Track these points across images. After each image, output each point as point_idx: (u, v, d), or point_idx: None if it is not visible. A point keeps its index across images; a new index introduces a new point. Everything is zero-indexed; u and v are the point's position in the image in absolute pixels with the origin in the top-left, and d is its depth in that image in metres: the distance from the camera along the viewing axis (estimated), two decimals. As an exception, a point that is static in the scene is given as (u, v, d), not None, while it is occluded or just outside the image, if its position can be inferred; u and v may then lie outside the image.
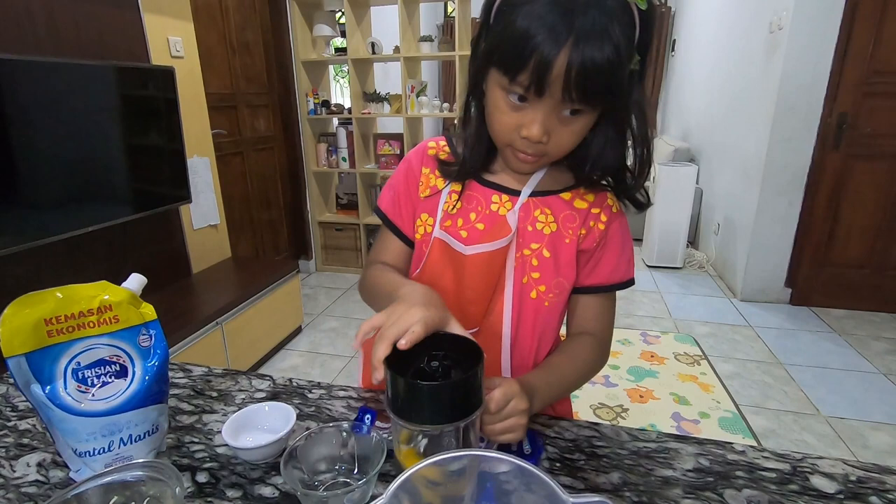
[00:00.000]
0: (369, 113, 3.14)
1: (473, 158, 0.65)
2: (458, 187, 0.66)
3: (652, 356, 2.30)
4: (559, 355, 0.65)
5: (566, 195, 0.65)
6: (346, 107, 3.32)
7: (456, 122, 0.69)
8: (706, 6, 4.08)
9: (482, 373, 0.44)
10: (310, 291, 3.06)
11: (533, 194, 0.65)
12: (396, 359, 0.44)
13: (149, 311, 0.53)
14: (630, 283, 0.69)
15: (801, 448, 1.72)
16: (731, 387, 2.06)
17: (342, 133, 3.18)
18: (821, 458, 0.53)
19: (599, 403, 1.96)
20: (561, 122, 0.54)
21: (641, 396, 2.00)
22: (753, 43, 2.93)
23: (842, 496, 0.48)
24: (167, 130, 1.91)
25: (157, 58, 1.96)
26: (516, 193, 0.65)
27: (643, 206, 0.64)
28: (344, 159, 3.22)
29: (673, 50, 5.21)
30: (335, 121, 3.37)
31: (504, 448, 0.55)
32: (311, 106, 3.15)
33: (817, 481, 0.50)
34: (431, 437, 0.44)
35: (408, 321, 0.45)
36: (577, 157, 0.60)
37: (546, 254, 0.64)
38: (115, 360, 0.50)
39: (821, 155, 2.59)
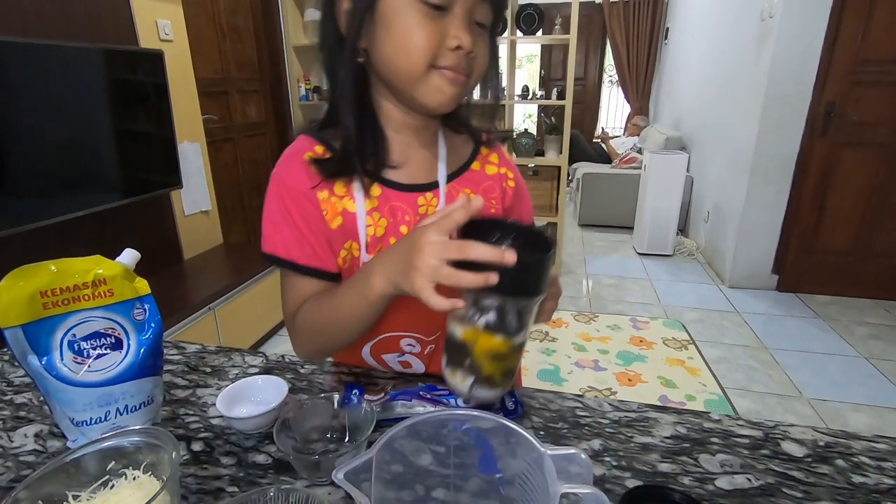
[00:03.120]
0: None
1: (367, 153, 0.57)
2: (373, 204, 0.58)
3: (641, 341, 2.34)
4: None
5: (476, 165, 0.66)
6: (338, 93, 3.29)
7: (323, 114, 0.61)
8: (699, -6, 4.08)
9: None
10: (302, 278, 3.07)
11: (448, 178, 0.63)
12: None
13: (142, 286, 0.54)
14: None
15: (784, 428, 1.77)
16: (717, 371, 2.11)
17: (334, 120, 3.16)
18: (792, 425, 0.56)
19: (589, 387, 1.99)
20: (477, 34, 0.53)
21: (630, 380, 2.04)
22: (744, 31, 2.94)
23: (810, 459, 0.51)
24: (157, 115, 1.90)
25: (146, 41, 1.94)
26: (434, 186, 0.62)
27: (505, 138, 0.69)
28: (336, 146, 3.21)
29: (666, 38, 5.21)
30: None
31: (488, 406, 0.57)
32: (303, 92, 3.13)
33: (787, 446, 0.53)
34: (497, 312, 0.44)
35: (443, 218, 0.43)
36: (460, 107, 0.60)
37: None
38: (110, 332, 0.51)
39: (809, 143, 2.62)
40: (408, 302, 0.48)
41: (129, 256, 0.53)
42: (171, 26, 2.05)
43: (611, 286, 2.98)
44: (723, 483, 0.48)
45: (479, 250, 0.40)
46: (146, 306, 0.54)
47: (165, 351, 0.71)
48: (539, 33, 3.01)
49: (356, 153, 0.56)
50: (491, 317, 0.44)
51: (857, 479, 0.48)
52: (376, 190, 0.59)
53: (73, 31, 1.68)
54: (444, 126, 0.65)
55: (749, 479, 0.48)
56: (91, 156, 1.68)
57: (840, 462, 0.50)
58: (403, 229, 0.59)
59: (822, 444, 0.53)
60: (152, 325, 0.54)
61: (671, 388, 1.98)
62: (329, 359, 0.68)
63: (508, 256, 0.39)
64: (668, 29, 5.18)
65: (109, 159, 1.74)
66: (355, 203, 0.58)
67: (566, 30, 2.81)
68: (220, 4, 2.60)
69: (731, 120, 3.12)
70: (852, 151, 2.58)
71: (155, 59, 1.85)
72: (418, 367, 0.66)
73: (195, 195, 2.26)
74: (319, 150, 0.58)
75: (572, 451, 0.32)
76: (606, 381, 2.03)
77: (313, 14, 3.01)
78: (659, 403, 1.79)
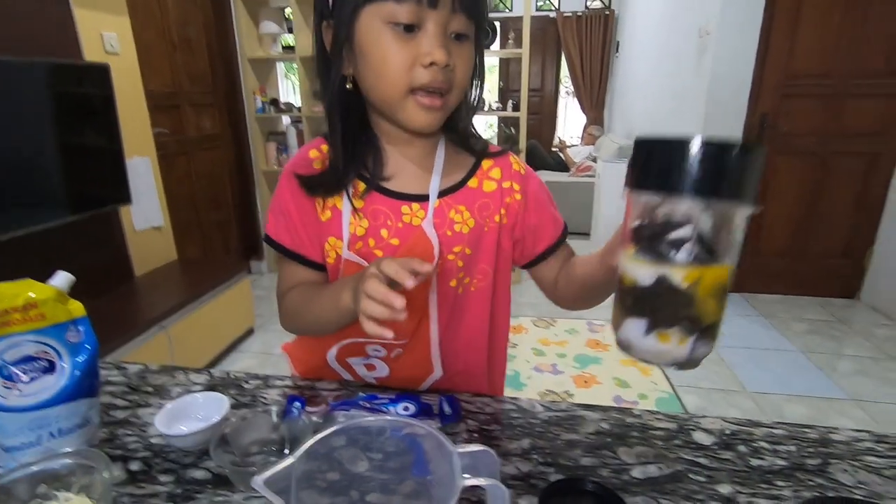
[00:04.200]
0: (320, 112, 3.12)
1: (357, 163, 0.60)
2: (359, 204, 0.61)
3: (597, 344, 2.42)
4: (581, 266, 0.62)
5: (473, 182, 0.63)
6: (297, 105, 3.29)
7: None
8: (645, 10, 4.29)
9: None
10: (262, 293, 3.02)
11: (441, 193, 0.62)
12: None
13: (77, 308, 0.54)
14: (566, 229, 0.69)
15: (728, 422, 1.87)
16: (667, 369, 2.20)
17: (292, 132, 3.14)
18: (704, 416, 0.61)
19: (547, 390, 2.05)
20: (455, 47, 0.53)
21: (586, 382, 2.11)
22: (685, 46, 3.11)
23: (716, 447, 0.56)
24: (103, 130, 1.85)
25: (91, 54, 1.89)
26: (424, 198, 0.61)
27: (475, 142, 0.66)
28: (295, 158, 3.19)
29: (617, 51, 5.44)
30: (285, 119, 3.33)
31: (427, 409, 0.60)
32: (259, 104, 3.10)
33: (698, 436, 0.58)
34: (713, 229, 0.34)
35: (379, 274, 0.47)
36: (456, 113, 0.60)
37: (468, 251, 0.63)
38: (41, 356, 0.51)
39: (746, 152, 2.79)
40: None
41: (62, 279, 0.54)
42: (118, 39, 2.01)
43: (569, 291, 3.06)
44: (636, 473, 0.52)
45: (379, 291, 0.45)
46: (81, 328, 0.54)
47: (106, 372, 0.70)
48: (497, 46, 3.09)
49: (336, 172, 0.60)
50: (708, 238, 0.34)
51: (755, 462, 0.53)
52: (364, 191, 0.62)
53: (13, 44, 1.62)
54: (448, 138, 0.64)
55: (660, 468, 0.52)
56: (33, 172, 1.62)
57: (742, 448, 0.55)
58: (384, 233, 0.61)
59: (728, 432, 0.58)
60: (87, 346, 0.54)
61: (625, 389, 2.05)
62: (275, 372, 0.70)
63: (398, 302, 0.44)
64: (618, 42, 5.40)
65: (53, 176, 1.68)
66: (343, 201, 0.61)
67: (520, 44, 2.90)
68: (170, 16, 2.56)
69: (676, 130, 3.29)
70: (786, 160, 2.77)
71: (100, 73, 1.81)
72: (382, 369, 0.68)
73: (146, 210, 2.20)
74: (325, 148, 0.63)
75: (480, 448, 0.35)
76: (564, 384, 2.09)
77: (268, 27, 3.00)
78: (614, 404, 1.86)
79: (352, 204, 0.61)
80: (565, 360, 2.27)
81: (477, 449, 0.35)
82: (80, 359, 0.54)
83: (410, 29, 0.51)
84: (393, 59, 0.52)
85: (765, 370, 2.20)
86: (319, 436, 0.37)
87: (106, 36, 1.96)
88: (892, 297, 2.66)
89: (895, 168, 2.66)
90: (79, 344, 0.54)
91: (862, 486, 0.50)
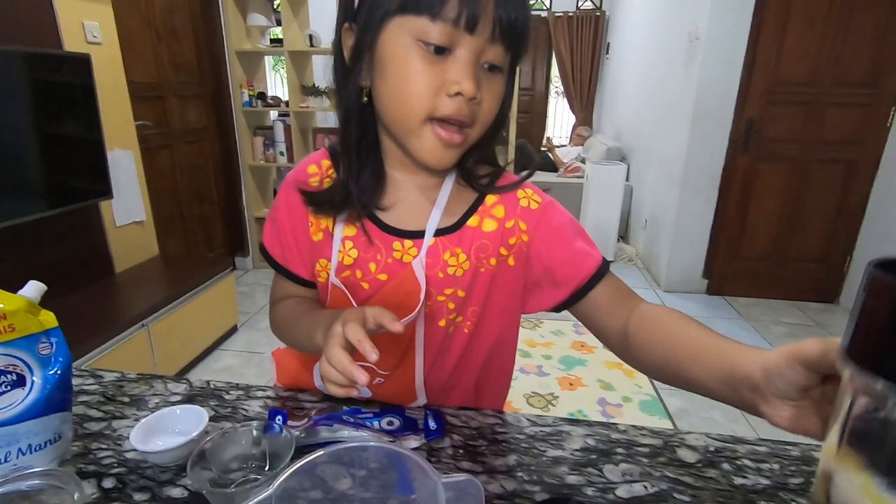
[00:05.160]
0: (308, 107, 3.08)
1: (361, 189, 0.55)
2: (351, 231, 0.58)
3: (582, 346, 2.43)
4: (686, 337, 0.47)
5: (473, 221, 0.58)
6: (284, 99, 3.24)
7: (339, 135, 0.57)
8: (635, 13, 4.31)
9: None
10: (246, 289, 2.98)
11: (438, 232, 0.57)
12: None
13: (49, 319, 0.52)
14: (606, 263, 0.59)
15: (709, 424, 1.89)
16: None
17: (279, 126, 3.10)
18: (689, 433, 0.61)
19: (532, 392, 2.05)
20: (486, 78, 0.48)
21: (571, 384, 2.12)
22: (675, 51, 3.14)
23: (700, 464, 0.56)
24: (83, 122, 1.80)
25: (72, 44, 1.83)
26: (419, 235, 0.57)
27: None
28: (282, 153, 3.15)
29: (607, 52, 5.46)
30: (273, 114, 3.28)
31: (412, 424, 0.59)
32: (246, 98, 3.05)
33: (682, 453, 0.58)
34: None
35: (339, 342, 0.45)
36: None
37: (461, 294, 0.59)
38: (10, 369, 0.49)
39: (732, 157, 2.83)
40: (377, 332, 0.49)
41: (33, 289, 0.51)
42: (100, 28, 1.95)
43: (556, 292, 3.08)
44: (622, 492, 0.52)
45: (341, 362, 0.44)
46: (53, 340, 0.52)
47: (81, 380, 0.68)
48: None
49: (346, 191, 0.56)
50: None
51: (738, 480, 0.53)
52: (358, 218, 0.58)
53: (-12, 31, 1.57)
54: (458, 171, 0.59)
55: (645, 487, 0.52)
56: (10, 166, 1.57)
57: (726, 465, 0.56)
58: (372, 266, 0.58)
59: (712, 449, 0.58)
60: (60, 359, 0.52)
61: (609, 391, 2.07)
62: (258, 372, 0.69)
63: (359, 378, 0.43)
64: (609, 44, 5.42)
65: (31, 169, 1.64)
66: (336, 226, 0.59)
67: (510, 44, 2.89)
68: (155, 6, 2.49)
69: (664, 133, 3.31)
70: (769, 165, 2.81)
71: (81, 63, 1.76)
72: (364, 392, 0.66)
73: (128, 205, 2.15)
74: (325, 164, 0.61)
75: (465, 478, 0.34)
76: (549, 386, 2.10)
77: (256, 19, 2.95)
78: (601, 415, 1.88)
79: (343, 230, 0.58)
80: (551, 361, 2.28)
81: (462, 479, 0.34)
82: (52, 372, 0.52)
83: (441, 51, 0.46)
84: (416, 81, 0.47)
85: (746, 373, 2.24)
86: (295, 466, 0.36)
87: (87, 25, 1.90)
88: (870, 303, 2.72)
89: (874, 176, 2.71)
90: (50, 356, 0.52)
91: (842, 506, 0.50)
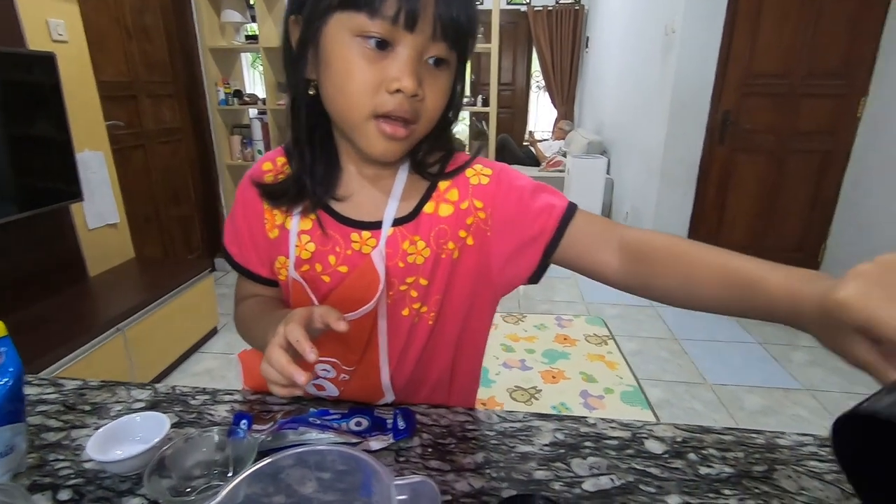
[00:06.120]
0: (285, 104, 3.04)
1: (315, 180, 0.55)
2: (307, 225, 0.57)
3: (565, 339, 2.45)
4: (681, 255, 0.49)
5: (429, 207, 0.58)
6: (262, 97, 3.19)
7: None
8: (613, 6, 4.33)
9: None
10: (227, 290, 2.94)
11: (396, 222, 0.57)
12: None
13: (-3, 328, 0.50)
14: (573, 205, 0.58)
15: (690, 414, 1.92)
16: (633, 363, 2.25)
17: (257, 125, 3.05)
18: (657, 424, 0.62)
19: (515, 386, 2.06)
20: (429, 74, 0.48)
21: (554, 377, 2.13)
22: (652, 44, 3.16)
23: (667, 455, 0.56)
24: (50, 122, 1.75)
25: (36, 42, 1.78)
26: (377, 226, 0.57)
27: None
28: (260, 152, 3.10)
29: (587, 46, 5.48)
30: (251, 112, 3.23)
31: (381, 424, 0.59)
32: (222, 96, 3.00)
33: (650, 444, 0.58)
34: None
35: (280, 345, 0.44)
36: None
37: (423, 282, 0.59)
38: (-44, 381, 0.48)
39: (709, 149, 2.87)
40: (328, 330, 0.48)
41: (-20, 297, 0.50)
42: (65, 26, 1.89)
43: (540, 286, 3.08)
44: (588, 485, 0.52)
45: (279, 362, 0.43)
46: (3, 349, 0.50)
47: (40, 389, 0.66)
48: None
49: (300, 183, 0.56)
50: None
51: (703, 470, 0.54)
52: (313, 209, 0.58)
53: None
54: (410, 160, 0.59)
55: (612, 479, 0.52)
56: (-30, 168, 1.52)
57: (692, 456, 0.56)
58: (332, 259, 0.57)
59: (679, 440, 0.59)
60: (10, 369, 0.50)
61: (591, 383, 2.09)
62: (239, 375, 0.68)
63: (298, 378, 0.42)
64: (588, 38, 5.45)
65: (-7, 172, 1.59)
66: (291, 220, 0.58)
67: (490, 38, 2.88)
68: (124, 4, 2.43)
69: (643, 126, 3.34)
70: (745, 156, 2.85)
71: (46, 62, 1.71)
72: (332, 390, 0.65)
73: (100, 207, 2.10)
74: (280, 161, 0.60)
75: (420, 479, 0.34)
76: (532, 379, 2.11)
77: (230, 15, 2.90)
78: (584, 407, 1.89)
79: (298, 224, 0.58)
80: (534, 355, 2.29)
81: (416, 480, 0.34)
82: (3, 382, 0.50)
83: (384, 46, 0.46)
84: (357, 78, 0.47)
85: (724, 363, 2.28)
86: (239, 477, 0.35)
87: (52, 23, 1.84)
88: (844, 290, 2.78)
89: (846, 166, 2.77)
90: (1, 366, 0.50)
91: (804, 492, 0.51)
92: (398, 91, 0.47)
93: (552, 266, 0.59)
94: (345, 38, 0.46)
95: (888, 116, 2.50)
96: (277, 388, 0.45)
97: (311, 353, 0.42)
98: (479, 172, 0.60)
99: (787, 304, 0.39)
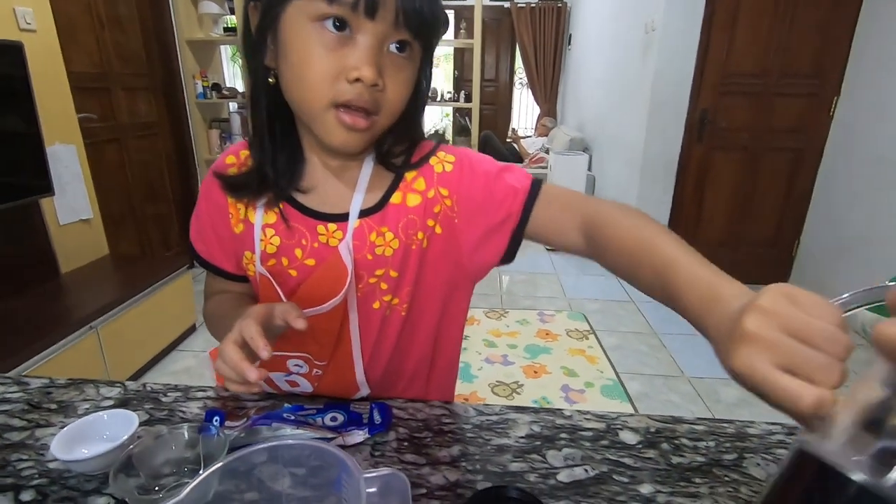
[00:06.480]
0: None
1: (277, 171, 0.54)
2: (271, 219, 0.56)
3: (547, 334, 2.47)
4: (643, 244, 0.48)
5: (396, 198, 0.57)
6: (241, 91, 3.14)
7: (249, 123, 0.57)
8: (595, 4, 4.36)
9: None
10: (206, 288, 2.89)
11: (363, 213, 0.56)
12: None
13: (-46, 324, 0.48)
14: (537, 182, 0.58)
15: (667, 406, 1.95)
16: (613, 357, 2.28)
17: (237, 119, 3.01)
18: (632, 415, 0.62)
19: (497, 381, 2.07)
20: (391, 64, 0.47)
21: (535, 372, 2.15)
22: (633, 42, 3.19)
23: (640, 446, 0.57)
24: (19, 114, 1.70)
25: (3, 31, 1.72)
26: (343, 218, 0.56)
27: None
28: (240, 147, 3.05)
29: (569, 44, 5.51)
30: (230, 105, 3.17)
31: (357, 419, 0.58)
32: (200, 89, 2.94)
33: (624, 435, 0.59)
34: None
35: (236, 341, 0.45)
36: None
37: (393, 274, 0.58)
38: None
39: (688, 146, 2.91)
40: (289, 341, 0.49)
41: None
42: (34, 14, 1.83)
43: (522, 282, 3.11)
44: (563, 476, 0.52)
45: (233, 359, 0.43)
46: (-40, 346, 0.49)
47: (4, 388, 0.64)
48: (452, 36, 3.06)
49: (261, 174, 0.55)
50: None
51: (675, 459, 0.55)
52: (276, 201, 0.56)
53: None
54: (375, 152, 0.58)
55: (586, 470, 0.53)
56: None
57: (665, 445, 0.57)
58: (298, 252, 0.57)
59: (652, 430, 0.60)
60: (-32, 366, 0.49)
61: (572, 377, 2.11)
62: (196, 383, 0.66)
63: (250, 375, 0.42)
64: (570, 35, 5.48)
65: (-43, 165, 1.53)
66: (255, 214, 0.57)
67: (472, 34, 2.88)
68: (96, -9, 2.36)
69: (624, 124, 3.37)
70: (722, 154, 2.90)
71: (13, 52, 1.65)
72: (306, 386, 0.64)
73: (72, 202, 2.04)
74: (244, 154, 0.59)
75: (390, 471, 0.34)
76: (514, 374, 2.12)
77: (208, 6, 2.84)
78: (565, 402, 1.91)
79: (262, 218, 0.57)
80: (516, 350, 2.31)
81: (386, 473, 0.33)
82: (-39, 380, 0.48)
83: (343, 27, 0.45)
84: (316, 67, 0.46)
85: (701, 356, 2.31)
86: (206, 473, 0.34)
87: (19, 11, 1.78)
88: (817, 284, 2.86)
89: (819, 164, 2.84)
90: (-42, 364, 0.48)
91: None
92: (358, 80, 0.46)
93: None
94: (303, 25, 0.45)
95: (859, 115, 2.57)
96: (232, 384, 0.44)
97: (263, 351, 0.42)
98: (443, 160, 0.59)
99: (694, 321, 0.39)
